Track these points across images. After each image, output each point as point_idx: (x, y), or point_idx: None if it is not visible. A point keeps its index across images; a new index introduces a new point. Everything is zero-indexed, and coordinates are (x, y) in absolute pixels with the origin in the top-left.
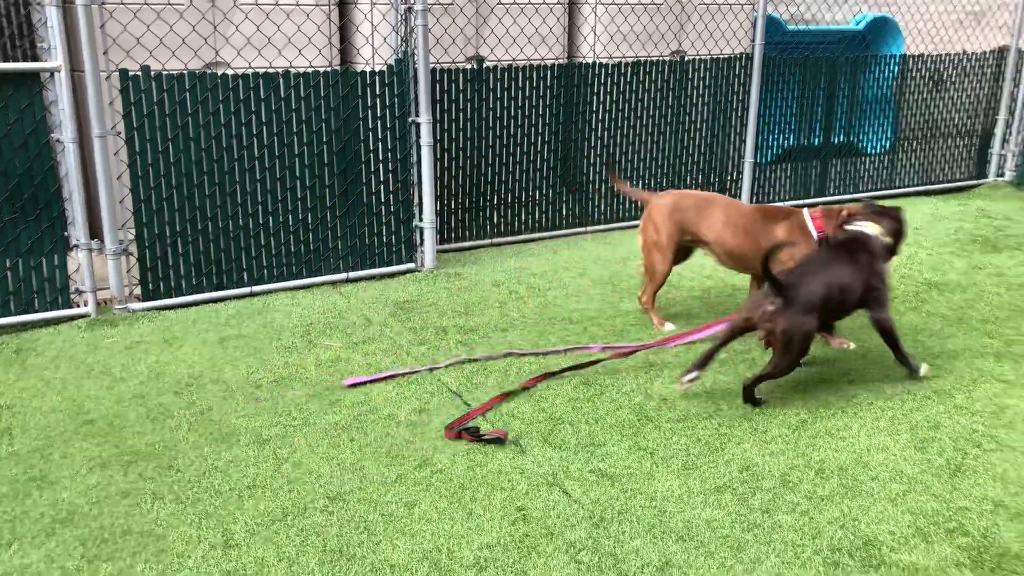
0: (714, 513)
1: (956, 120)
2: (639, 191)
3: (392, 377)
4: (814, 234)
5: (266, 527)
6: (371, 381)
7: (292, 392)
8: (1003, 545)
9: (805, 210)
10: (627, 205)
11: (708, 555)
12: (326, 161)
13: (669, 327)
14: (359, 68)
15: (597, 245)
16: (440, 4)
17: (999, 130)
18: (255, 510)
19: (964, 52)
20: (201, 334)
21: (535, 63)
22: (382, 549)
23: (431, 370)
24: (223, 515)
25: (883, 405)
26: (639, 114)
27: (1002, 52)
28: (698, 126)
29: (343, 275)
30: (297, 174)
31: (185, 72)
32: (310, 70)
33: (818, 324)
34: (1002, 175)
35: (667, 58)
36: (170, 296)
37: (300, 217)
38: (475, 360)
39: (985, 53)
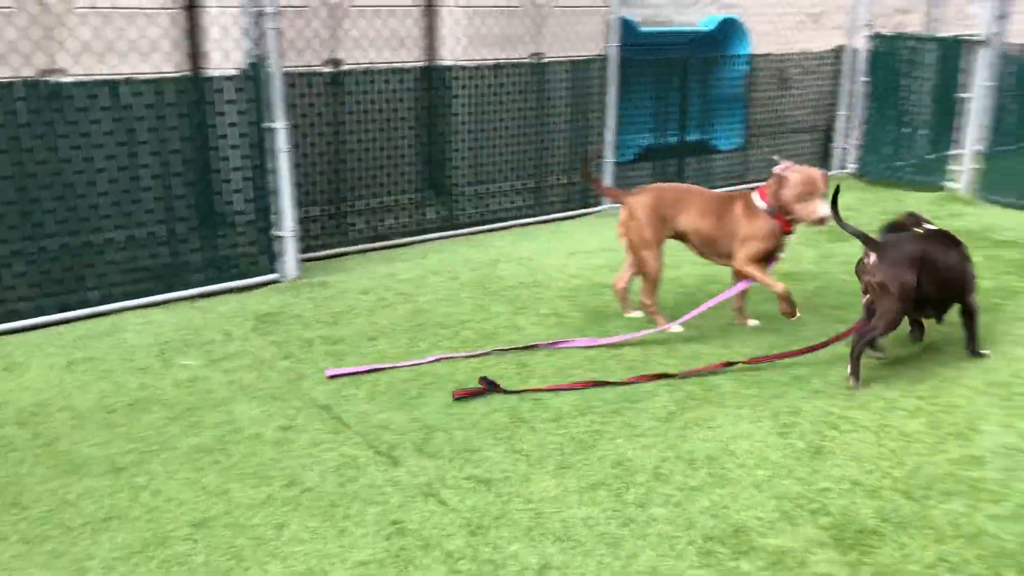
0: (590, 511)
1: (801, 116)
2: (614, 189)
3: (375, 371)
4: (763, 206)
5: (124, 561)
6: (353, 373)
7: (149, 415)
8: (861, 522)
9: (754, 192)
10: (494, 207)
11: (586, 554)
12: (177, 171)
13: (676, 327)
14: (209, 73)
15: (467, 248)
16: (293, 7)
17: (840, 125)
18: (112, 544)
19: (805, 51)
20: (47, 358)
21: (394, 66)
22: (252, 575)
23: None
24: (76, 553)
25: (745, 393)
26: (501, 116)
27: (839, 51)
28: (559, 127)
29: (200, 289)
30: (145, 185)
31: (15, 80)
32: (156, 76)
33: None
34: (844, 168)
35: (526, 60)
36: (10, 320)
37: (150, 230)
38: (451, 358)
39: (824, 52)
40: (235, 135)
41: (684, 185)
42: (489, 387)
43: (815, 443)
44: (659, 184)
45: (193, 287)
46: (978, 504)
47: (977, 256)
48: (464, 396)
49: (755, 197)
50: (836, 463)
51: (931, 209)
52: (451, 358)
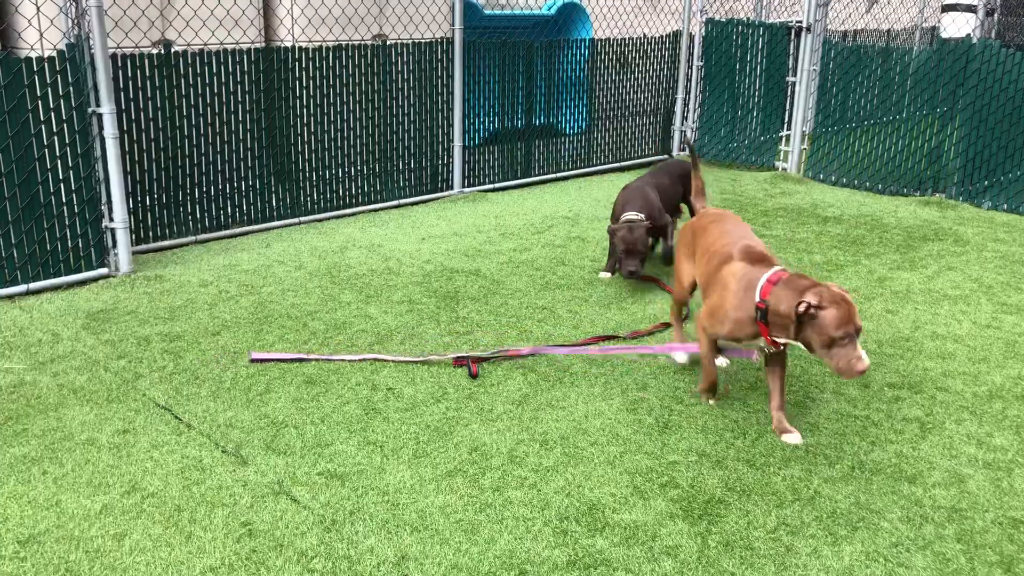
0: (447, 499)
1: (642, 100)
2: (704, 200)
3: (302, 360)
4: (756, 299)
5: None
6: (277, 360)
7: None
8: (709, 492)
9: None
10: (341, 192)
11: (443, 542)
12: None
13: (680, 358)
14: (24, 54)
15: (312, 235)
16: None
17: (679, 108)
18: None
19: (645, 36)
20: None
21: (229, 47)
22: None
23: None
24: None
25: (596, 372)
26: (345, 99)
27: (676, 36)
28: (405, 111)
29: (22, 287)
30: None
31: None
32: None
33: None
34: (684, 149)
35: (369, 42)
36: None
37: None
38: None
39: (662, 37)
40: (56, 120)
41: (723, 213)
42: (465, 362)
43: (663, 418)
44: (718, 210)
45: (15, 284)
46: (814, 468)
47: (806, 232)
48: (461, 365)
49: (759, 279)
50: (683, 436)
51: (765, 188)
52: (388, 360)
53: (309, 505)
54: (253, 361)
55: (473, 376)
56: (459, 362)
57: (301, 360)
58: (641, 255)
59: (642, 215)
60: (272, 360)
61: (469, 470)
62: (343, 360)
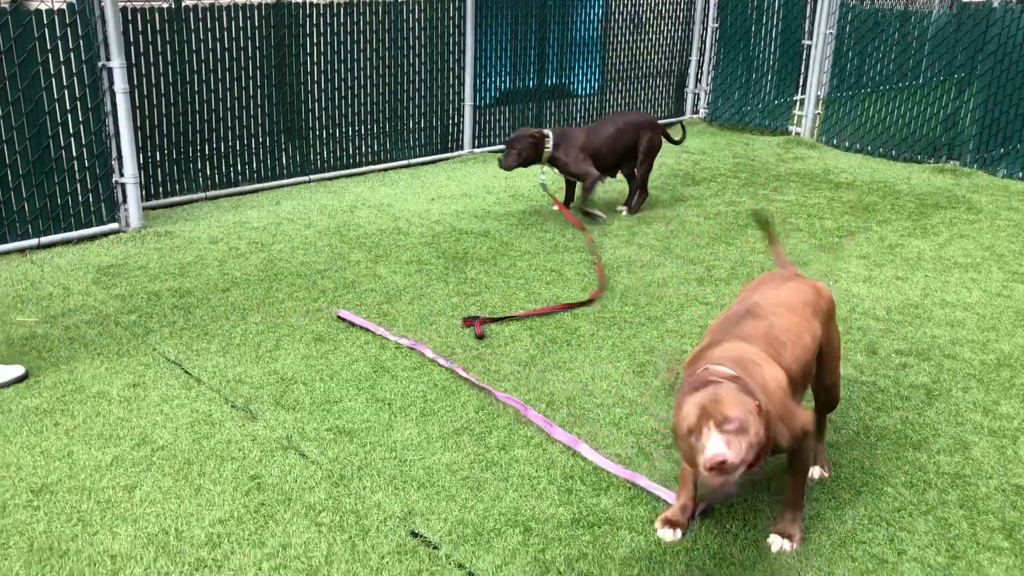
0: (453, 456)
1: (655, 61)
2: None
3: (376, 333)
4: None
5: None
6: (359, 325)
7: None
8: None
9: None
10: (351, 151)
11: (449, 498)
12: (1, 113)
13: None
14: (34, 6)
15: (322, 194)
16: None
17: (692, 70)
18: None
19: None
20: None
21: (240, 2)
22: (100, 540)
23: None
24: None
25: (604, 335)
26: (356, 57)
27: None
28: (416, 69)
29: (34, 241)
30: None
31: None
32: None
33: None
34: (697, 112)
35: (380, 0)
36: None
37: None
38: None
39: None
40: (67, 74)
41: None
42: (474, 322)
43: (670, 380)
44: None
45: (27, 238)
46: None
47: (818, 198)
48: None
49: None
50: None
51: (777, 152)
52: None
53: (317, 460)
54: (340, 319)
55: (479, 337)
56: (467, 323)
57: (382, 335)
58: (517, 153)
59: (550, 134)
60: (356, 324)
61: (476, 428)
62: (419, 352)
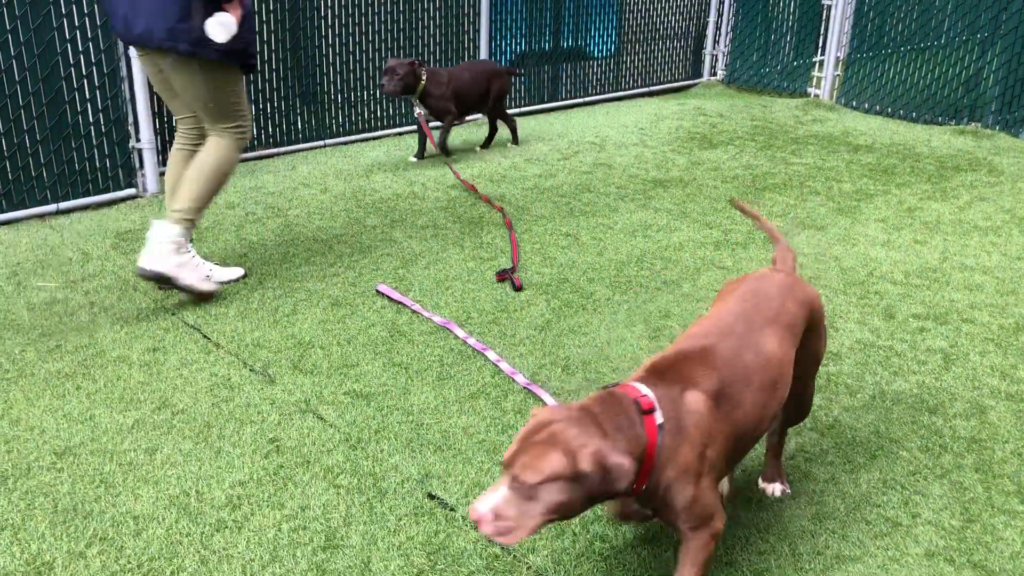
0: (470, 420)
1: (673, 23)
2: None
3: (414, 310)
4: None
5: None
6: (396, 300)
7: (2, 342)
8: None
9: None
10: (366, 115)
11: (466, 461)
12: (18, 78)
13: None
14: None
15: (337, 158)
16: None
17: (710, 32)
18: None
19: None
20: None
21: None
22: (122, 501)
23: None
24: None
25: (619, 300)
26: (370, 20)
27: None
28: (431, 32)
29: (52, 207)
30: None
31: None
32: None
33: None
34: (715, 74)
35: None
36: None
37: None
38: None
39: None
40: (82, 39)
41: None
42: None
43: None
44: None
45: (46, 204)
46: (835, 397)
47: (837, 161)
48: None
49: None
50: None
51: (796, 115)
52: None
53: (335, 424)
54: (379, 292)
55: (518, 288)
56: (501, 277)
57: (416, 310)
58: (401, 78)
59: (416, 64)
60: (393, 299)
61: (492, 392)
62: (450, 330)
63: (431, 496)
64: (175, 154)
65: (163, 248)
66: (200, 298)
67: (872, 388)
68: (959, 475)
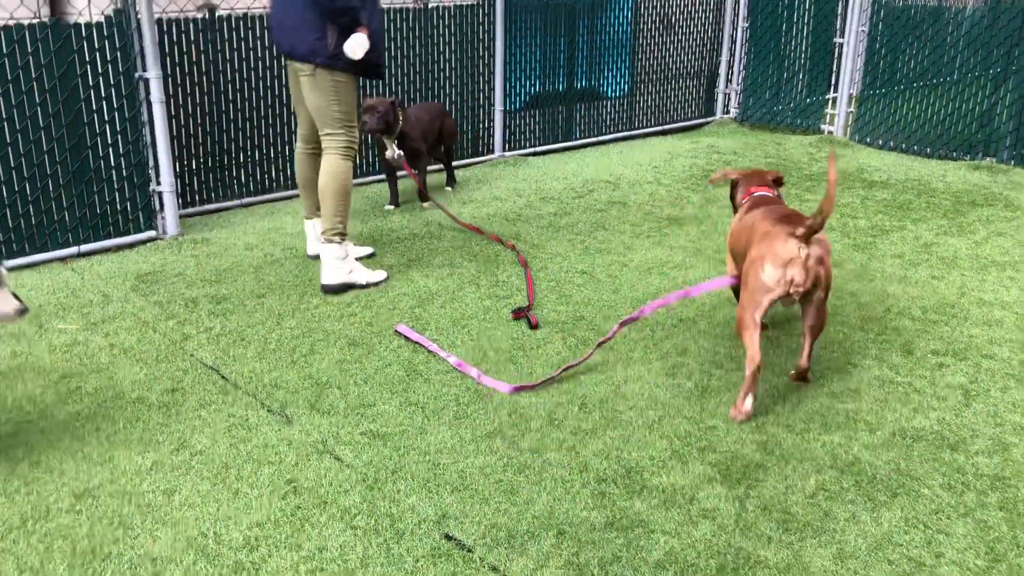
0: (487, 460)
1: (685, 63)
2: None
3: (431, 351)
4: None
5: (2, 538)
6: (415, 341)
7: (23, 384)
8: (747, 457)
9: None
10: (370, 160)
11: (483, 502)
12: (42, 124)
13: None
14: (72, 20)
15: (354, 199)
16: None
17: (723, 71)
18: None
19: None
20: None
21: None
22: (141, 543)
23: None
24: None
25: (636, 337)
26: (387, 64)
27: None
28: (447, 75)
29: (74, 249)
30: (8, 140)
31: None
32: (12, 23)
33: None
34: (728, 112)
35: (410, 6)
36: None
37: (17, 188)
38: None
39: None
40: (104, 86)
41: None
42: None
43: (702, 383)
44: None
45: (67, 247)
46: (855, 435)
47: (852, 197)
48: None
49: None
50: (723, 401)
51: (810, 152)
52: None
53: (352, 464)
54: (397, 333)
55: (534, 326)
56: (517, 315)
57: (434, 351)
58: (382, 116)
59: (396, 103)
60: (411, 339)
61: (508, 432)
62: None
63: (448, 537)
64: (298, 156)
65: (332, 265)
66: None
67: (892, 425)
68: (983, 513)
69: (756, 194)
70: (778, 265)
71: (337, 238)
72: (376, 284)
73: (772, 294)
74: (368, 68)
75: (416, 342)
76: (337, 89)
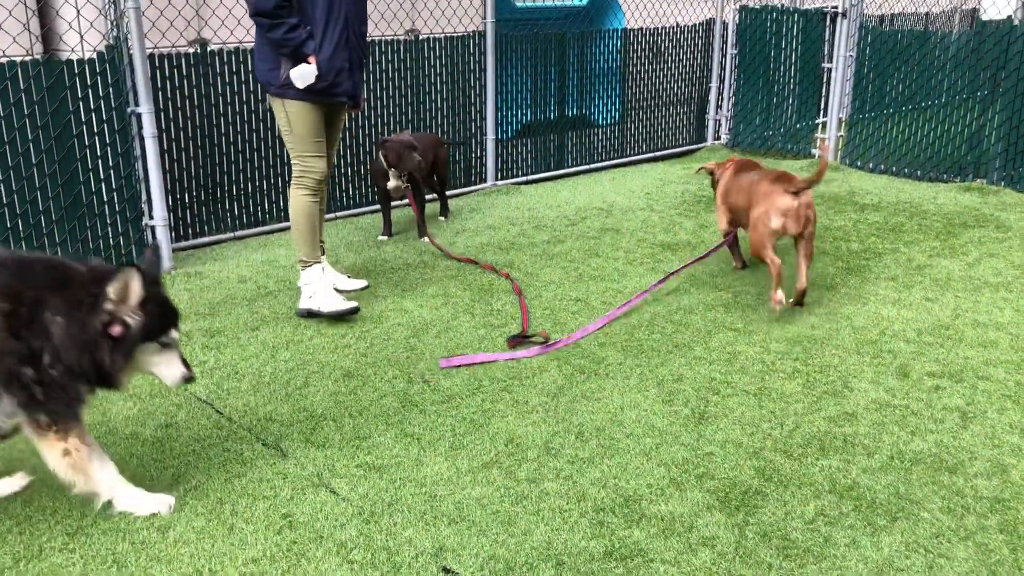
0: (483, 490)
1: (676, 89)
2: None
3: (486, 362)
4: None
5: None
6: (467, 364)
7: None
8: (745, 483)
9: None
10: (364, 191)
11: (480, 533)
12: (35, 161)
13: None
14: (65, 56)
15: (348, 230)
16: None
17: (712, 97)
18: None
19: (678, 25)
20: None
21: None
22: None
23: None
24: None
25: (631, 364)
26: (379, 95)
27: (710, 24)
28: (439, 105)
29: None
30: (1, 177)
31: None
32: (4, 60)
33: None
34: (719, 138)
35: (402, 37)
36: None
37: (9, 225)
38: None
39: (696, 25)
40: (97, 121)
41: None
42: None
43: (699, 409)
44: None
45: None
46: (853, 459)
47: (844, 220)
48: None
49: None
50: (719, 427)
51: (802, 176)
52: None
53: (348, 497)
54: (445, 368)
55: (545, 340)
56: (513, 343)
57: (486, 362)
58: (419, 158)
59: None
60: (465, 364)
61: (505, 462)
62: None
63: (446, 570)
64: None
65: (303, 292)
66: (345, 316)
67: (890, 448)
68: (984, 536)
69: (738, 160)
70: (779, 215)
71: (305, 267)
72: (342, 314)
73: (776, 234)
74: (323, 96)
75: (469, 364)
76: (290, 119)
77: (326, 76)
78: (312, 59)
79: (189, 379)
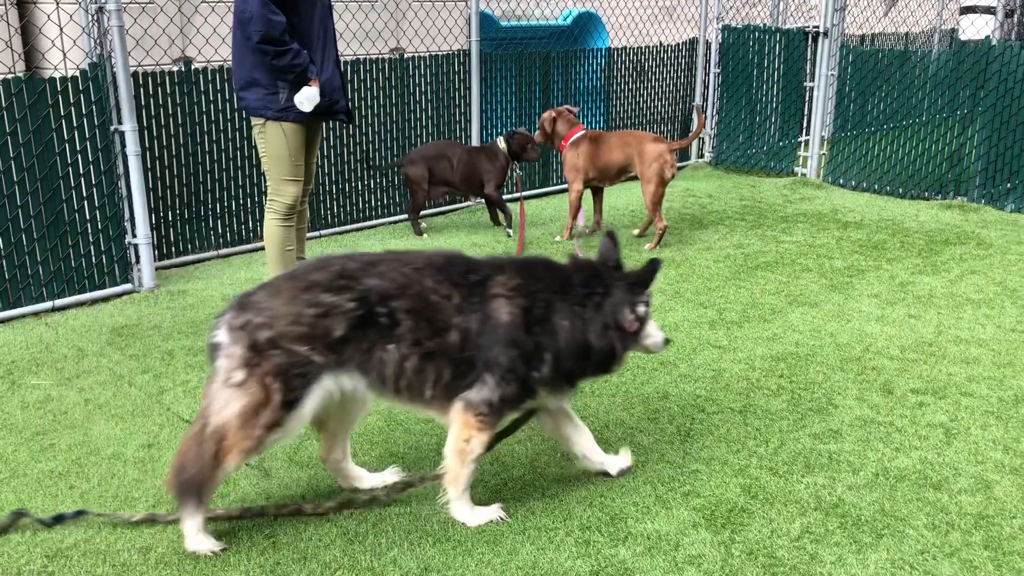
0: None
1: (659, 108)
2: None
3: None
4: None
5: None
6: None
7: None
8: (731, 501)
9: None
10: (360, 205)
11: (466, 553)
12: (16, 179)
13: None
14: (47, 74)
15: (333, 248)
16: (137, 3)
17: (696, 115)
18: None
19: (661, 44)
20: None
21: None
22: None
23: None
24: None
25: (617, 381)
26: (363, 113)
27: (693, 44)
28: (423, 123)
29: (48, 304)
30: None
31: None
32: None
33: None
34: (702, 156)
35: (386, 55)
36: None
37: None
38: None
39: (679, 45)
40: (80, 139)
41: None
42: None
43: (684, 427)
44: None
45: (41, 301)
46: (838, 476)
47: (827, 238)
48: None
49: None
50: (705, 445)
51: (784, 194)
52: None
53: (332, 517)
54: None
55: None
56: None
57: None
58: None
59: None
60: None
61: (490, 481)
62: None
63: None
64: None
65: None
66: None
67: (875, 465)
68: (968, 553)
69: (587, 132)
70: (669, 167)
71: None
72: None
73: (667, 182)
74: (324, 115)
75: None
76: (285, 142)
77: (328, 95)
78: (314, 82)
79: (667, 341)
